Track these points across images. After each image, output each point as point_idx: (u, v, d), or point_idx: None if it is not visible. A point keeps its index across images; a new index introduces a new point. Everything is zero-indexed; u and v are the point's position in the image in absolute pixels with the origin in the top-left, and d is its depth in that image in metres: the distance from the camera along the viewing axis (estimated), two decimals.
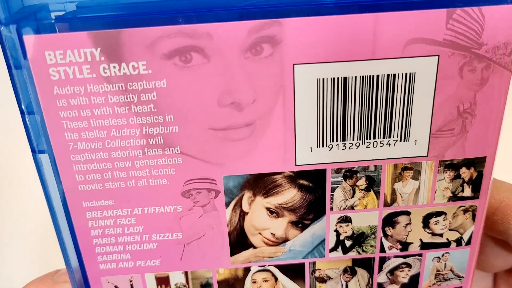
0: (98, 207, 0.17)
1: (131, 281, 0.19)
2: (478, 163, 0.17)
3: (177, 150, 0.16)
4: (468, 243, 0.19)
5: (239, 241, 0.18)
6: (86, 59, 0.15)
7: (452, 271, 0.19)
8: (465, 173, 0.17)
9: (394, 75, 0.15)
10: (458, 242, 0.19)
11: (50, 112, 0.15)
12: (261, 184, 0.17)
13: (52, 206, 0.17)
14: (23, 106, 0.15)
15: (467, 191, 0.18)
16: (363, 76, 0.15)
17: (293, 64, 0.15)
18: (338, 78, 0.15)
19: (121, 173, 0.16)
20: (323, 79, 0.15)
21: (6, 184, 0.38)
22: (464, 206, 0.18)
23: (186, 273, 0.19)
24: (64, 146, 0.16)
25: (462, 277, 0.19)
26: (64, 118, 0.15)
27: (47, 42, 0.14)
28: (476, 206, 0.18)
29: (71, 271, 0.18)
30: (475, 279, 0.24)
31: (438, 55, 0.15)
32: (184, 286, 0.19)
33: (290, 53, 0.15)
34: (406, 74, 0.15)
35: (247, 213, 0.17)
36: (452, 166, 0.17)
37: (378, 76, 0.15)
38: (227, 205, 0.17)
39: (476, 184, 0.17)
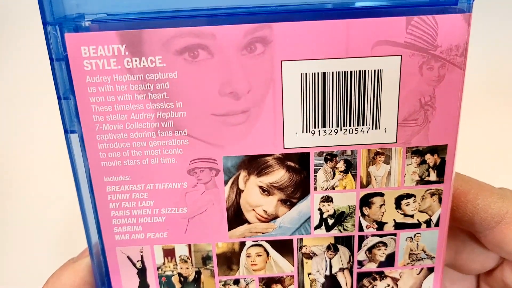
0: (117, 182, 0.20)
1: (141, 252, 0.21)
2: (440, 150, 0.20)
3: (185, 133, 0.19)
4: (437, 224, 0.21)
5: (235, 216, 0.21)
6: (114, 54, 0.18)
7: (424, 251, 0.22)
8: (429, 159, 0.20)
9: (365, 71, 0.19)
10: (428, 223, 0.21)
11: (82, 97, 0.19)
12: (254, 164, 0.20)
13: (78, 181, 0.20)
14: (60, 93, 0.19)
15: (433, 176, 0.20)
16: (339, 72, 0.19)
17: (281, 61, 0.18)
18: (318, 73, 0.19)
19: (137, 152, 0.20)
20: (306, 73, 0.19)
21: (6, 182, 0.41)
22: (431, 189, 0.21)
23: (189, 246, 0.21)
24: (91, 127, 0.19)
25: (434, 257, 0.22)
26: (93, 103, 0.19)
27: (83, 39, 0.18)
28: (442, 190, 0.21)
29: (90, 243, 0.21)
30: (459, 279, 0.26)
31: (401, 55, 0.18)
32: (188, 258, 0.21)
33: (279, 52, 0.18)
34: (374, 70, 0.19)
35: (243, 190, 0.20)
36: (418, 152, 0.20)
37: (351, 72, 0.19)
38: (225, 183, 0.20)
39: (440, 169, 0.20)
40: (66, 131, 0.19)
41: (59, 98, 0.19)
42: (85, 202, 0.20)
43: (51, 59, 0.18)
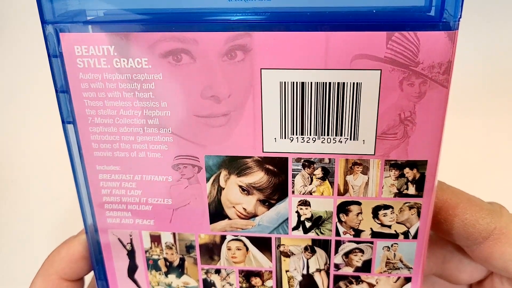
0: (108, 170, 0.21)
1: (131, 235, 0.23)
2: (420, 165, 0.20)
3: (169, 131, 0.20)
4: (415, 237, 0.21)
5: (217, 211, 0.22)
6: (104, 54, 0.19)
7: (401, 261, 0.22)
8: (408, 173, 0.20)
9: (344, 83, 0.19)
10: (406, 235, 0.21)
11: (76, 92, 0.20)
12: (235, 165, 0.21)
13: (74, 167, 0.22)
14: (58, 86, 0.20)
15: (411, 189, 0.20)
16: (317, 82, 0.19)
17: (261, 69, 0.19)
18: (297, 82, 0.19)
19: (126, 145, 0.21)
20: (285, 82, 0.19)
21: (9, 183, 0.43)
22: (409, 202, 0.21)
23: (174, 234, 0.23)
24: (85, 119, 0.21)
25: (411, 268, 0.22)
26: (86, 98, 0.20)
27: (76, 39, 0.19)
28: (421, 204, 0.20)
29: (85, 223, 0.23)
30: (451, 287, 0.26)
31: (381, 70, 0.18)
32: (172, 245, 0.23)
33: (258, 60, 0.19)
34: (353, 83, 0.19)
35: (224, 188, 0.21)
36: (396, 165, 0.20)
37: (330, 83, 0.19)
38: (207, 179, 0.21)
39: (419, 183, 0.20)
40: (63, 122, 0.21)
41: (56, 91, 0.20)
42: (81, 186, 0.22)
43: (49, 55, 0.20)
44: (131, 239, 0.23)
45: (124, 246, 0.23)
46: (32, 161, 0.42)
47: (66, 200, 0.41)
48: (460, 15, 0.17)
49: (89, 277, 0.26)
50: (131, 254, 0.23)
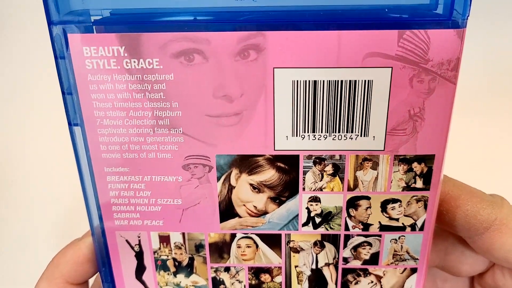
0: (116, 172, 0.21)
1: (139, 237, 0.23)
2: (428, 160, 0.20)
3: (180, 131, 0.20)
4: (422, 229, 0.22)
5: (227, 210, 0.22)
6: (113, 54, 0.19)
7: (407, 252, 0.22)
8: (416, 167, 0.20)
9: (355, 81, 0.19)
10: (412, 227, 0.22)
11: (84, 94, 0.20)
12: (246, 163, 0.21)
13: (81, 170, 0.21)
14: (64, 88, 0.20)
15: (419, 183, 0.21)
16: (329, 81, 0.19)
17: (273, 68, 0.19)
18: (309, 81, 0.19)
19: (135, 146, 0.21)
20: (297, 81, 0.19)
21: (9, 183, 0.42)
22: (416, 196, 0.21)
23: (183, 234, 0.23)
24: (93, 121, 0.20)
25: (417, 259, 0.23)
26: (94, 99, 0.20)
27: (85, 40, 0.19)
28: (428, 197, 0.21)
29: (92, 225, 0.23)
30: (452, 278, 0.27)
31: (392, 67, 0.19)
32: (182, 245, 0.23)
33: (272, 59, 0.19)
34: (365, 81, 0.19)
35: (234, 187, 0.21)
36: (405, 160, 0.20)
37: (342, 81, 0.19)
38: (218, 179, 0.21)
39: (426, 177, 0.21)
40: (70, 124, 0.21)
41: (63, 93, 0.20)
42: (87, 188, 0.22)
43: (55, 57, 0.19)
44: (139, 240, 0.23)
45: (132, 248, 0.23)
46: (32, 161, 0.41)
47: (67, 200, 0.41)
48: (469, 14, 0.18)
49: (91, 280, 0.26)
50: (139, 255, 0.23)
